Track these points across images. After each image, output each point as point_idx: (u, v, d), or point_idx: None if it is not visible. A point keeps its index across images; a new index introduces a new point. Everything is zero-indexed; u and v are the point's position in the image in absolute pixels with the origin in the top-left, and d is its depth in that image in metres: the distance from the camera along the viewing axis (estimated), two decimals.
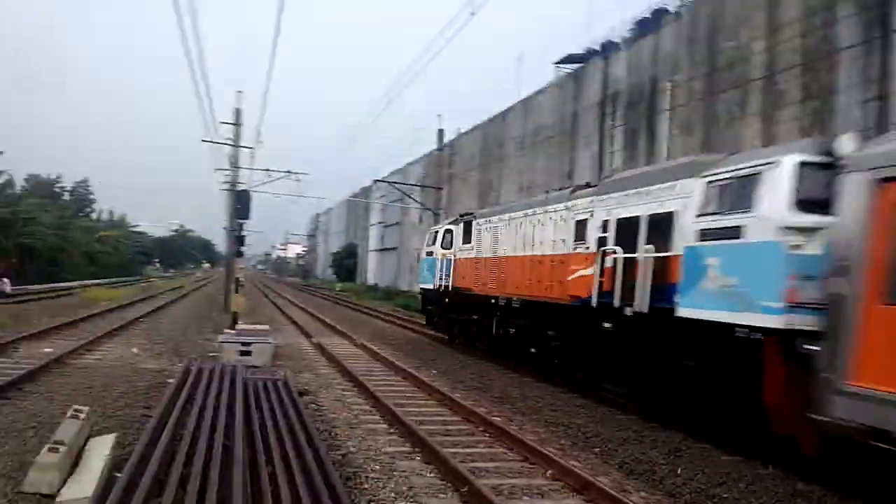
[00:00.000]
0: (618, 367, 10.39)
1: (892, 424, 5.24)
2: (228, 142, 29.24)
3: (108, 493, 5.00)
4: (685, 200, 8.79)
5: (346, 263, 69.47)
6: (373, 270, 62.22)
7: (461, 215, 18.09)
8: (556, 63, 30.60)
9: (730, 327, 7.63)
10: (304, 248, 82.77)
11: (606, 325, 10.23)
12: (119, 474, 5.49)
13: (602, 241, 10.45)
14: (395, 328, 23.69)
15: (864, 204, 5.72)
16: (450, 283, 17.53)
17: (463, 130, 41.49)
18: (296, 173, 32.75)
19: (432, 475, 6.73)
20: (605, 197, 10.89)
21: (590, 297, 10.43)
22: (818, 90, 16.18)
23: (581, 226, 11.40)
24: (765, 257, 7.25)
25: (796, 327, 6.85)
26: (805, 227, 7.03)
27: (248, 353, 13.07)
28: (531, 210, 13.58)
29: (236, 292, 19.56)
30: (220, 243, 47.33)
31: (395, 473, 6.65)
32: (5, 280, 26.83)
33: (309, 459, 6.40)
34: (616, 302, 9.81)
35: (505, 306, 14.15)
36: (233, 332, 14.48)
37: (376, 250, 61.03)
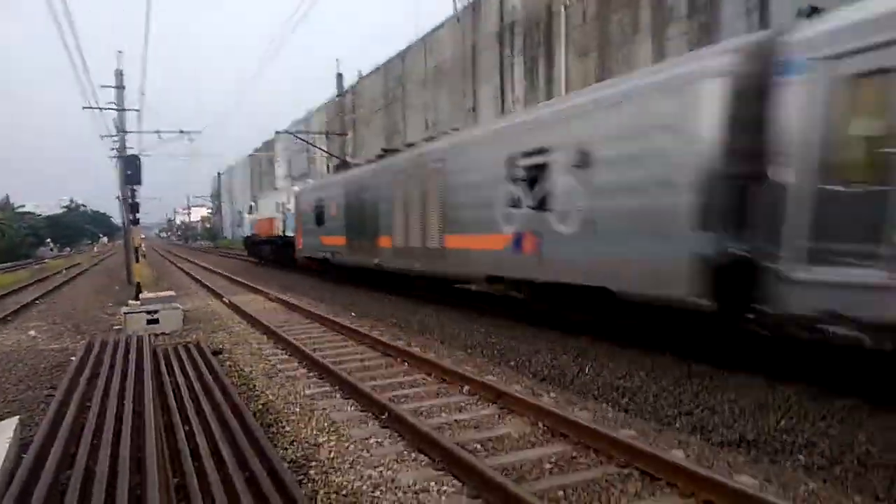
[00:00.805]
0: None
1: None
2: (112, 106, 27.27)
3: (14, 474, 4.80)
4: None
5: None
6: None
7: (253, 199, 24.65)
8: None
9: None
10: (210, 210, 79.48)
11: None
12: (26, 455, 5.27)
13: None
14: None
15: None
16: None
17: (364, 73, 40.38)
18: (188, 132, 31.09)
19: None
20: None
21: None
22: (704, 3, 16.69)
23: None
24: None
25: None
26: None
27: (155, 322, 12.63)
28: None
29: (137, 262, 18.65)
30: (117, 215, 44.77)
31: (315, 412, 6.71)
32: None
33: (227, 413, 6.35)
34: None
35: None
36: (137, 302, 13.88)
37: None
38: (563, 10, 21.59)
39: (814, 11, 6.21)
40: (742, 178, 6.55)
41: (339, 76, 37.76)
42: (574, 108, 9.23)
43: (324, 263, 21.94)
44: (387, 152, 17.74)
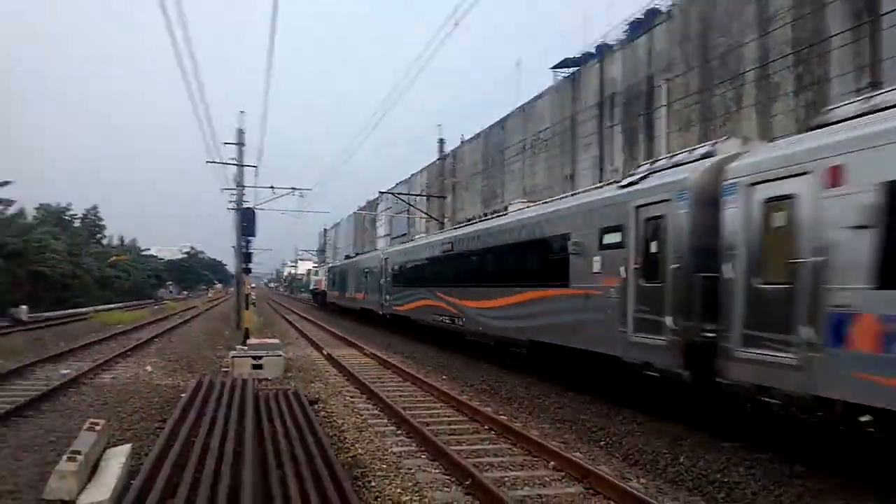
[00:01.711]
0: None
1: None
2: (232, 161, 29.67)
3: (124, 497, 5.22)
4: None
5: None
6: None
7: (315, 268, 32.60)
8: (554, 67, 30.91)
9: None
10: (315, 264, 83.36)
11: None
12: (134, 481, 5.72)
13: None
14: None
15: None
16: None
17: (465, 139, 41.81)
18: (299, 189, 33.12)
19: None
20: None
21: None
22: (811, 80, 16.33)
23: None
24: None
25: None
26: None
27: (259, 367, 13.32)
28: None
29: (247, 309, 19.83)
30: (231, 263, 47.82)
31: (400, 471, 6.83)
32: (22, 307, 27.28)
33: (318, 461, 6.60)
34: None
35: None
36: (244, 347, 14.72)
37: None
38: (664, 84, 21.66)
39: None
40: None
41: (441, 141, 39.35)
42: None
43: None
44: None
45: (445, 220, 39.46)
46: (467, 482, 6.32)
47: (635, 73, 23.81)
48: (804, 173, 6.62)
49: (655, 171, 9.60)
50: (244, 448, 6.76)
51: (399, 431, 8.76)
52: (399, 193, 43.84)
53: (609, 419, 9.46)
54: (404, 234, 52.20)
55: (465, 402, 10.28)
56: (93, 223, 67.82)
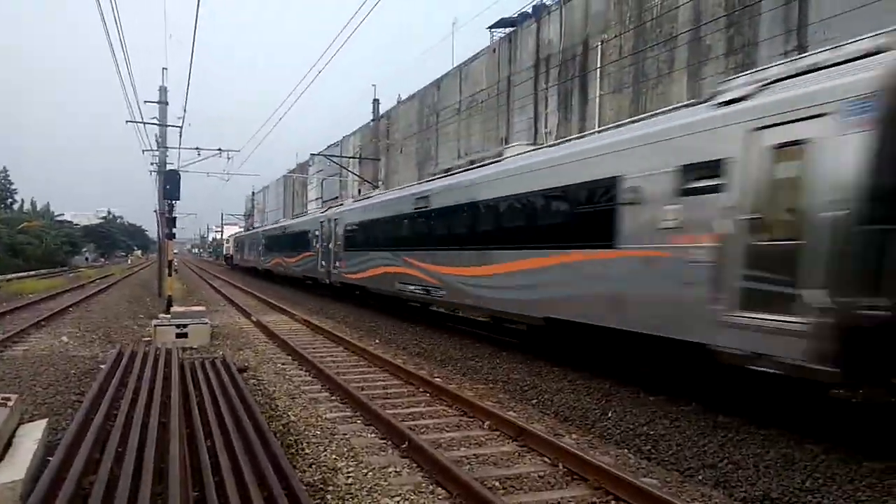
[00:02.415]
0: None
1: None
2: (154, 121, 28.13)
3: (41, 475, 4.91)
4: None
5: None
6: None
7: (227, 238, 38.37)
8: (490, 27, 30.67)
9: None
10: (241, 228, 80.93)
11: None
12: (52, 458, 5.39)
13: None
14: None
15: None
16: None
17: (396, 101, 41.09)
18: (226, 151, 31.78)
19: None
20: None
21: None
22: (742, 43, 16.75)
23: None
24: None
25: None
26: None
27: (184, 335, 12.86)
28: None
29: (169, 276, 19.04)
30: (153, 229, 45.74)
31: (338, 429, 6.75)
32: None
33: (249, 431, 6.42)
34: None
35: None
36: (167, 315, 14.14)
37: None
38: (599, 45, 21.83)
39: None
40: None
41: (376, 101, 38.47)
42: None
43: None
44: None
45: (379, 183, 38.93)
46: (404, 445, 6.29)
47: (571, 35, 23.84)
48: None
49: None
50: (169, 420, 6.50)
51: (333, 397, 8.65)
52: (331, 155, 42.85)
53: (540, 377, 9.64)
54: (336, 198, 51.26)
55: (400, 366, 10.25)
56: (2, 187, 63.42)
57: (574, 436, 7.06)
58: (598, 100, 21.85)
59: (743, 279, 6.52)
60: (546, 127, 25.07)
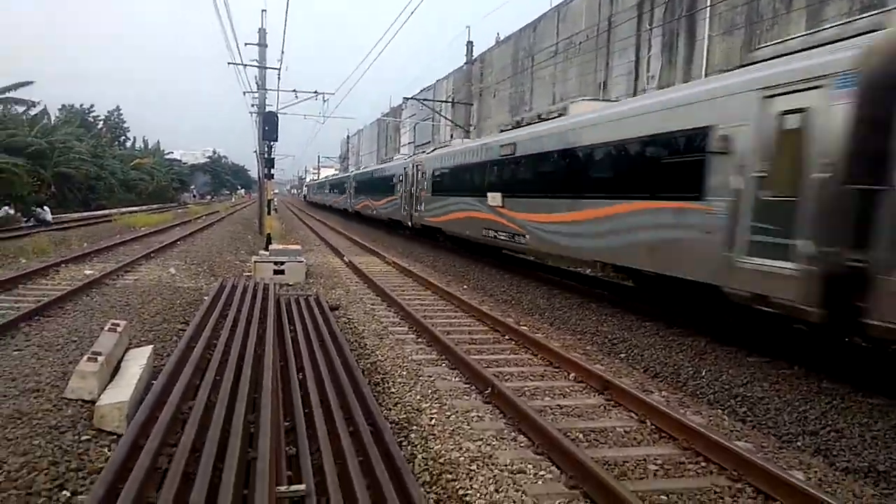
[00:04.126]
0: None
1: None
2: (254, 63, 28.89)
3: (144, 398, 5.26)
4: None
5: None
6: None
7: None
8: None
9: None
10: (337, 171, 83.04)
11: None
12: (155, 382, 5.77)
13: None
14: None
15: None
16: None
17: (494, 42, 40.03)
18: (322, 93, 32.29)
19: None
20: None
21: None
22: None
23: None
24: None
25: None
26: None
27: (281, 272, 13.39)
28: None
29: (269, 214, 19.81)
30: (255, 169, 47.69)
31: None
32: (45, 208, 27.59)
33: (339, 367, 6.61)
34: None
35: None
36: (266, 252, 14.76)
37: None
38: None
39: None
40: None
41: (469, 44, 37.54)
42: None
43: None
44: None
45: (471, 128, 38.49)
46: (487, 391, 6.29)
47: None
48: None
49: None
50: (265, 351, 6.79)
51: (419, 339, 8.77)
52: (424, 99, 42.68)
53: (631, 331, 9.36)
54: (428, 142, 51.29)
55: (487, 313, 10.23)
56: (116, 125, 67.73)
57: (664, 393, 6.82)
58: (706, 41, 20.34)
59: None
60: (649, 71, 23.70)
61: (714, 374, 7.25)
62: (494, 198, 15.64)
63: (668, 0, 22.81)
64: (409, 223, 24.89)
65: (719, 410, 6.36)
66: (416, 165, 24.44)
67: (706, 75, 18.92)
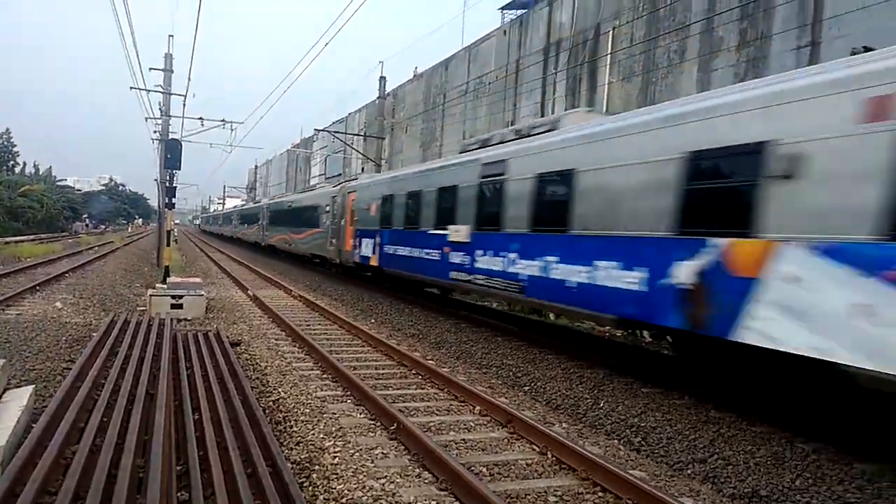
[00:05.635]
0: None
1: None
2: (158, 89, 27.87)
3: (23, 442, 4.86)
4: None
5: None
6: None
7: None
8: (502, 8, 30.28)
9: None
10: (243, 202, 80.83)
11: None
12: (36, 425, 5.33)
13: None
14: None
15: None
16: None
17: (417, 72, 40.67)
18: (230, 122, 31.53)
19: None
20: None
21: None
22: (754, 36, 16.50)
23: None
24: None
25: None
26: None
27: (179, 307, 12.80)
28: None
29: (168, 245, 18.95)
30: (154, 198, 45.66)
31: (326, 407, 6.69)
32: None
33: (238, 406, 6.37)
34: None
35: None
36: (164, 285, 14.08)
37: None
38: (610, 31, 21.52)
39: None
40: None
41: (382, 79, 38.01)
42: None
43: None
44: None
45: (383, 161, 38.68)
46: (393, 427, 6.24)
47: (583, 20, 23.51)
48: None
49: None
50: (157, 391, 6.44)
51: (324, 375, 8.59)
52: (336, 132, 42.54)
53: (534, 364, 9.58)
54: (339, 175, 50.97)
55: (394, 347, 10.19)
56: (5, 149, 63.15)
57: (564, 424, 7.01)
58: (606, 87, 21.60)
59: None
60: (553, 113, 24.81)
61: (611, 404, 7.54)
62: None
63: (571, 47, 24.12)
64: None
65: (616, 441, 6.60)
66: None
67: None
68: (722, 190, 6.93)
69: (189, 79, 28.83)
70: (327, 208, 23.70)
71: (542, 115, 25.62)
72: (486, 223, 11.83)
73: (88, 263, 23.85)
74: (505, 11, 30.27)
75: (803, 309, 5.72)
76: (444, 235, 13.23)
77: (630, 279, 7.95)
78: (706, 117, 7.12)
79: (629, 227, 8.07)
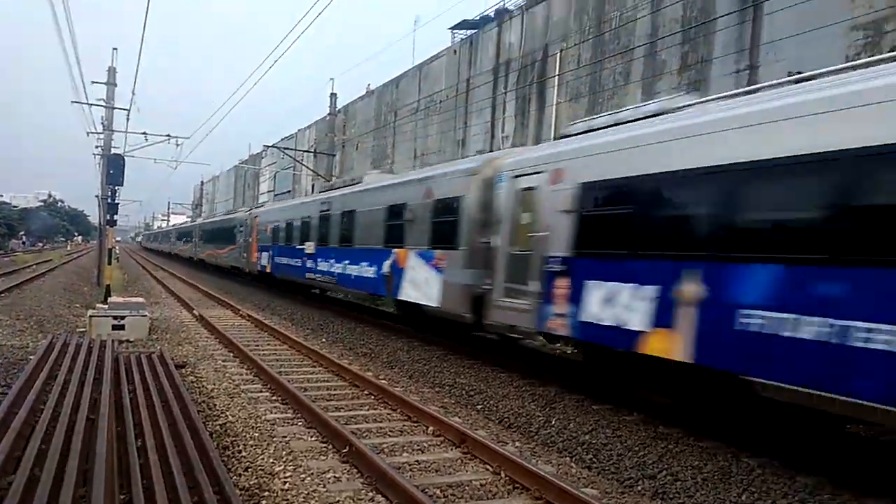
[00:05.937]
0: None
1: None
2: (101, 103, 27.04)
3: None
4: None
5: None
6: None
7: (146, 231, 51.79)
8: (452, 28, 30.62)
9: None
10: (189, 218, 78.84)
11: None
12: None
13: None
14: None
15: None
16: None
17: (370, 88, 40.62)
18: (175, 137, 30.82)
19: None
20: None
21: None
22: (695, 60, 17.15)
23: None
24: None
25: None
26: None
27: (121, 328, 12.36)
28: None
29: (109, 264, 18.31)
30: (95, 215, 44.03)
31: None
32: None
33: (184, 431, 6.18)
34: None
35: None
36: (105, 305, 13.58)
37: None
38: (558, 53, 22.06)
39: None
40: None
41: (333, 95, 37.90)
42: None
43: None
44: None
45: (334, 178, 38.44)
46: (345, 450, 6.16)
47: (532, 41, 24.02)
48: None
49: None
50: (98, 417, 6.20)
51: (274, 397, 8.43)
52: (286, 148, 42.08)
53: (487, 382, 9.63)
54: (288, 191, 50.34)
55: (346, 367, 10.08)
56: None
57: (517, 443, 7.05)
58: (555, 108, 22.09)
59: None
60: (503, 131, 25.19)
61: (563, 422, 7.64)
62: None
63: (520, 67, 24.61)
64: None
65: (568, 458, 6.68)
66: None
67: (554, 138, 20.48)
68: (393, 226, 13.83)
69: (133, 93, 28.21)
70: (241, 228, 29.64)
71: (492, 134, 26.01)
72: (322, 241, 18.62)
73: (25, 283, 22.82)
74: (455, 31, 30.66)
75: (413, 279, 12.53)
76: (303, 249, 19.89)
77: (371, 271, 14.60)
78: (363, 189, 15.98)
79: (370, 243, 14.86)
